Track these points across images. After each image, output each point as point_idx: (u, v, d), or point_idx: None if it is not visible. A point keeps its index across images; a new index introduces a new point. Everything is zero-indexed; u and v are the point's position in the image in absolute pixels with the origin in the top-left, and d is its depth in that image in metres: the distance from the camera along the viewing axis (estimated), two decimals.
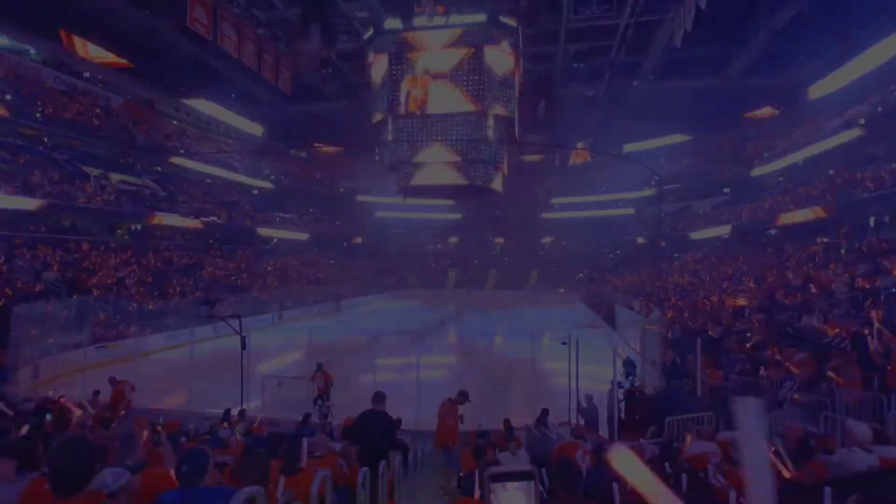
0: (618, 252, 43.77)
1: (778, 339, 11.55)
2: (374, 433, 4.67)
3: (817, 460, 3.33)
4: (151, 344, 16.40)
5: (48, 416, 5.96)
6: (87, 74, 29.06)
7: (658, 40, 26.18)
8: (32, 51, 26.27)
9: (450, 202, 44.74)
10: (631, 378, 10.31)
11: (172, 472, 2.40)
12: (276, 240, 37.34)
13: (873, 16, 21.39)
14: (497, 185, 28.98)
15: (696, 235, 35.01)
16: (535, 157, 45.76)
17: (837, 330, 10.42)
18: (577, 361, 9.14)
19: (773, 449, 3.29)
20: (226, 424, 7.30)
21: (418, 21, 25.01)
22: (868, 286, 12.86)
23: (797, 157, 28.85)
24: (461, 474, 5.62)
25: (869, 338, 8.25)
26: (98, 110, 28.22)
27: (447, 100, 26.65)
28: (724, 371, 10.04)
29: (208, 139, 37.66)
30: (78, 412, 6.33)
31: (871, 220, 21.26)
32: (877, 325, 8.34)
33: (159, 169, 30.69)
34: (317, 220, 42.89)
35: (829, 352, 8.87)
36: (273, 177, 41.12)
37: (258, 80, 25.59)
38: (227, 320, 11.49)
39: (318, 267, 38.00)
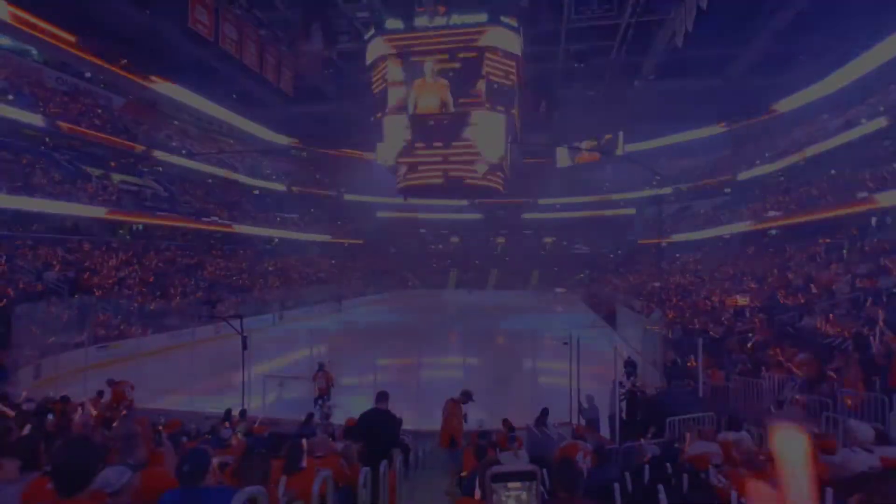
0: (619, 252, 43.74)
1: (779, 339, 11.54)
2: (379, 432, 4.69)
3: (819, 461, 3.32)
4: (153, 344, 16.43)
5: (50, 416, 5.98)
6: (88, 75, 29.11)
7: (659, 40, 26.17)
8: (34, 51, 26.32)
9: (451, 202, 44.80)
10: (632, 378, 10.30)
11: (173, 472, 2.41)
12: (277, 240, 37.39)
13: (874, 16, 21.34)
14: (497, 184, 29.02)
15: (695, 236, 35.00)
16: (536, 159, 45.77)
17: (839, 330, 10.41)
18: (578, 361, 9.14)
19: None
20: (227, 424, 7.31)
21: (419, 21, 25.01)
22: (869, 286, 12.84)
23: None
24: (462, 474, 5.61)
25: (871, 338, 8.24)
26: (100, 111, 28.28)
27: (448, 100, 26.68)
28: (726, 371, 10.03)
29: (210, 139, 37.71)
30: (93, 411, 6.36)
31: (873, 220, 21.22)
32: (880, 325, 8.32)
33: (160, 169, 30.73)
34: (317, 221, 42.91)
35: (830, 352, 8.85)
36: (274, 176, 41.17)
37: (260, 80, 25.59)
38: (229, 320, 11.51)
39: (319, 267, 38.03)
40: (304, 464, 3.30)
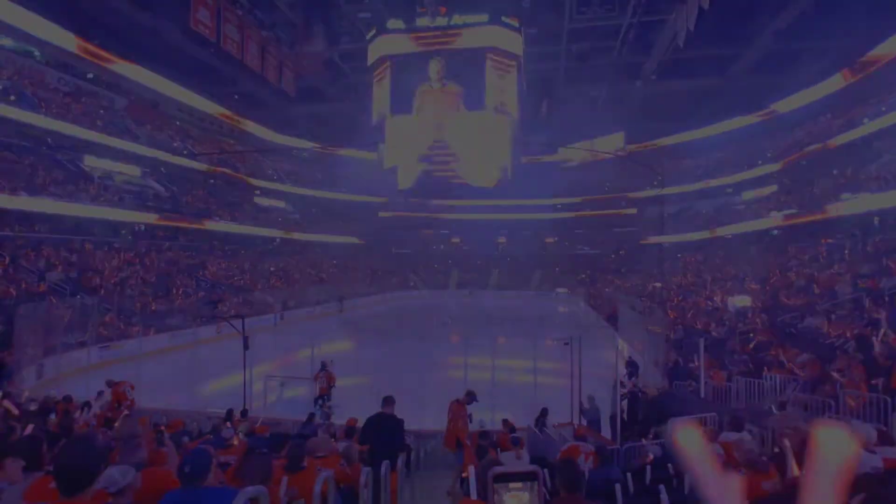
0: (621, 252, 43.67)
1: (781, 339, 11.52)
2: (385, 436, 4.74)
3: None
4: (155, 344, 16.45)
5: (52, 416, 6.00)
6: (90, 75, 29.17)
7: (661, 40, 26.15)
8: (37, 52, 26.40)
9: (451, 203, 44.83)
10: (633, 379, 10.30)
11: (175, 472, 2.41)
12: (278, 240, 37.46)
13: (875, 16, 21.27)
14: (498, 184, 29.01)
15: (695, 236, 34.93)
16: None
17: (841, 331, 10.38)
18: (580, 362, 9.13)
19: (776, 450, 3.28)
20: (228, 424, 7.32)
21: (421, 22, 25.01)
22: (872, 287, 12.81)
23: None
24: (463, 475, 5.62)
25: (874, 339, 8.21)
26: (102, 111, 28.35)
27: (448, 101, 26.68)
28: (727, 372, 10.01)
29: (211, 139, 37.77)
30: (97, 410, 6.37)
31: (876, 220, 21.14)
32: (884, 326, 8.30)
33: (163, 170, 30.79)
34: (318, 221, 42.94)
35: (832, 353, 8.83)
36: (276, 177, 41.21)
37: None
38: (230, 320, 11.53)
39: (320, 267, 38.06)
40: (306, 464, 3.31)
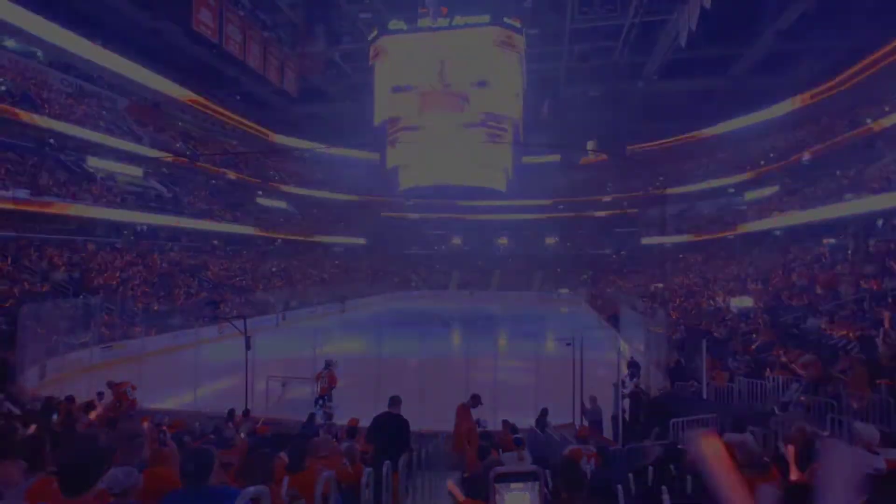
0: (622, 253, 43.61)
1: (783, 340, 11.48)
2: (391, 437, 4.76)
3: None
4: (157, 344, 16.47)
5: (55, 416, 6.01)
6: (92, 76, 29.24)
7: (662, 40, 26.11)
8: (40, 53, 26.48)
9: (452, 203, 44.80)
10: (635, 379, 10.28)
11: (177, 472, 2.42)
12: (279, 240, 37.51)
13: (878, 16, 21.19)
14: (500, 184, 29.00)
15: (696, 237, 34.86)
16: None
17: (844, 332, 10.34)
18: (582, 362, 9.12)
19: (777, 452, 3.27)
20: (230, 424, 7.33)
21: (422, 22, 24.99)
22: (875, 287, 12.76)
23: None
24: (465, 475, 5.61)
25: (876, 340, 8.19)
26: (104, 112, 28.42)
27: (450, 101, 26.67)
28: (730, 372, 9.98)
29: (214, 140, 37.83)
30: (100, 410, 6.38)
31: (879, 221, 21.07)
32: (886, 326, 8.27)
33: (165, 171, 30.86)
34: (318, 221, 42.99)
35: (835, 353, 8.80)
36: (277, 178, 41.27)
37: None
38: (232, 321, 11.55)
39: (321, 268, 38.10)
40: (307, 464, 3.31)
